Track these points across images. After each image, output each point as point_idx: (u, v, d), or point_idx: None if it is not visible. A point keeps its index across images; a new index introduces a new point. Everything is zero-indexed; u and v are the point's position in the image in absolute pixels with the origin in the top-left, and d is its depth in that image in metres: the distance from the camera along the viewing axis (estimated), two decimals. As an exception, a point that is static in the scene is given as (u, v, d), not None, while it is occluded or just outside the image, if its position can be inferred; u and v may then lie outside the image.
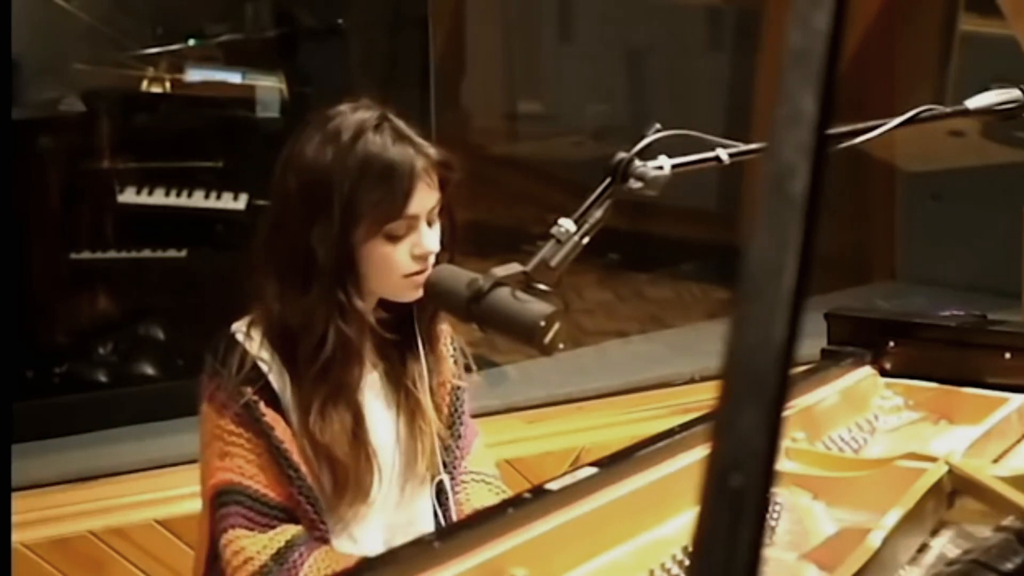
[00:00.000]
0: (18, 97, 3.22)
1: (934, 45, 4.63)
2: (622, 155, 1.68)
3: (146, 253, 3.45)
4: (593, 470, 1.51)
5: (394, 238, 1.76)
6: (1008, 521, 1.51)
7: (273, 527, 1.78)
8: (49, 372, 3.31)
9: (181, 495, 2.79)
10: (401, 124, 1.80)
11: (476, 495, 1.95)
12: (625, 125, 5.20)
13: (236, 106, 3.52)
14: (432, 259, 1.79)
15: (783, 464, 1.70)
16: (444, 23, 4.66)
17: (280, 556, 1.75)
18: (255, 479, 1.78)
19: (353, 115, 1.78)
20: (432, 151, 1.79)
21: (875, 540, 1.37)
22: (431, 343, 1.92)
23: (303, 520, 1.79)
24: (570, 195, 1.80)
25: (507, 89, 5.46)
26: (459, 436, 1.96)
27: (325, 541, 1.80)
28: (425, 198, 1.77)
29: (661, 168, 1.70)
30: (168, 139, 3.50)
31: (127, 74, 3.45)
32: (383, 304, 1.86)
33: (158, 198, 3.41)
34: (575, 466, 1.68)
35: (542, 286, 1.57)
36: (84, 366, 3.37)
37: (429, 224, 1.79)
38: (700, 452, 1.33)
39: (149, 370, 3.41)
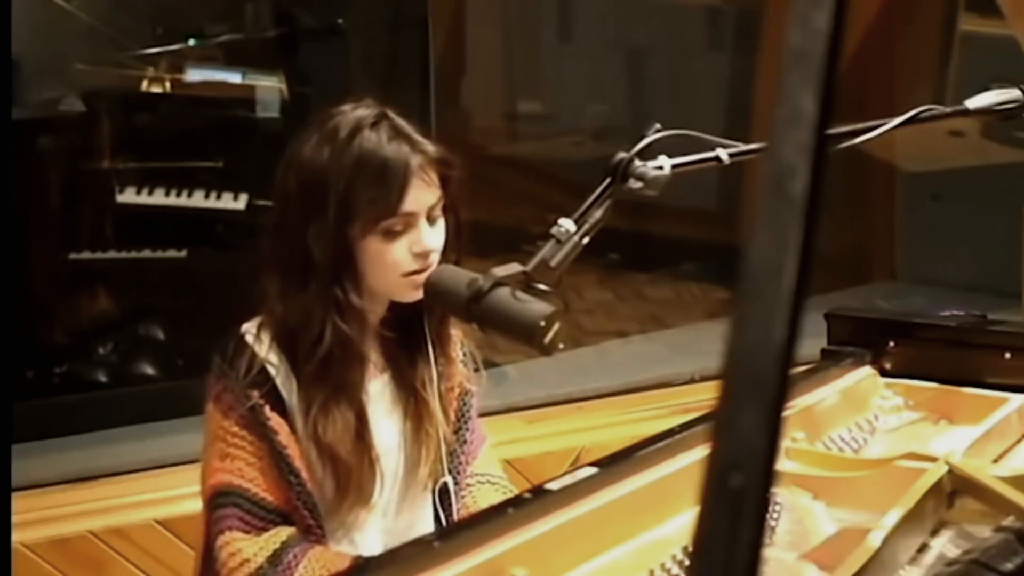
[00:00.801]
0: (18, 97, 3.22)
1: (934, 45, 4.63)
2: (622, 155, 1.68)
3: (146, 253, 3.45)
4: (593, 470, 1.51)
5: (391, 235, 1.76)
6: (1008, 521, 1.51)
7: (268, 530, 1.78)
8: (49, 372, 3.31)
9: (181, 495, 2.79)
10: (400, 121, 1.79)
11: (483, 496, 1.95)
12: (625, 125, 5.20)
13: (236, 106, 3.52)
14: (434, 257, 1.78)
15: (783, 464, 1.70)
16: (444, 23, 4.65)
17: (275, 558, 1.75)
18: (254, 482, 1.78)
19: (352, 113, 1.79)
20: (430, 148, 1.79)
21: (875, 540, 1.37)
22: (441, 346, 1.92)
23: (300, 525, 1.79)
24: (570, 195, 1.80)
25: (507, 89, 5.46)
26: (465, 441, 1.96)
27: (320, 543, 1.80)
28: (422, 195, 1.77)
29: (661, 168, 1.70)
30: (168, 139, 3.50)
31: (127, 74, 3.45)
32: (393, 307, 1.86)
33: (158, 198, 3.41)
34: (575, 466, 1.68)
35: (542, 286, 1.57)
36: (84, 366, 3.37)
37: (430, 222, 1.79)
38: (700, 452, 1.33)
39: (149, 370, 3.41)
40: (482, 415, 2.05)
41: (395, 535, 1.88)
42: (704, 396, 3.32)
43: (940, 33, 4.61)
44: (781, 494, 1.66)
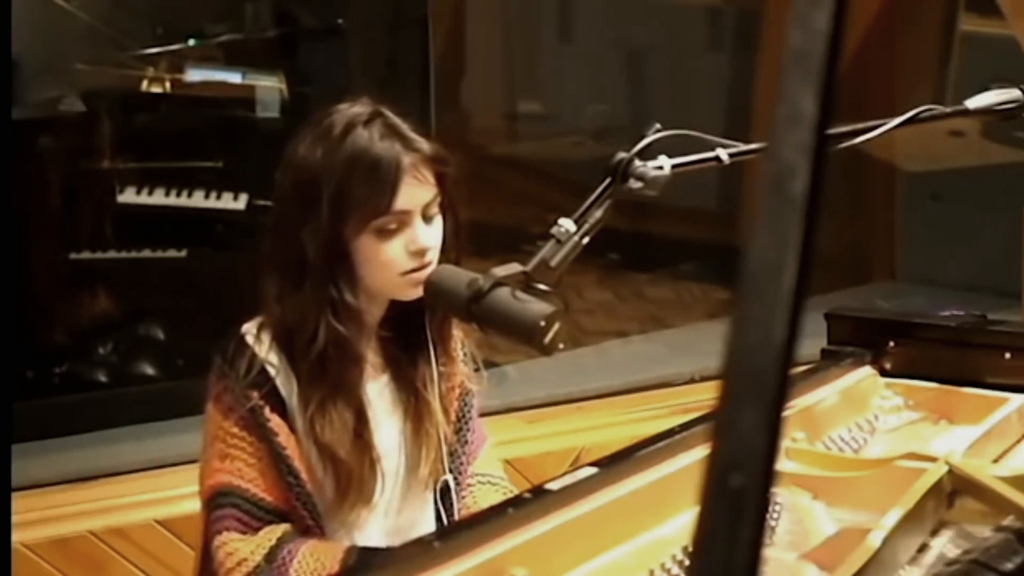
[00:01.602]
0: (18, 97, 3.22)
1: (934, 45, 4.63)
2: (622, 155, 1.68)
3: (146, 253, 3.45)
4: (593, 470, 1.51)
5: (386, 234, 1.75)
6: (1008, 521, 1.51)
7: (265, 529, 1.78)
8: (49, 372, 3.31)
9: (181, 495, 2.79)
10: (394, 119, 1.79)
11: (483, 497, 1.95)
12: (625, 125, 5.20)
13: (236, 106, 3.52)
14: (432, 255, 1.78)
15: (783, 464, 1.70)
16: (444, 23, 4.66)
17: (271, 555, 1.75)
18: (254, 483, 1.78)
19: (347, 112, 1.78)
20: (424, 146, 1.78)
21: (875, 540, 1.37)
22: (443, 345, 1.91)
23: (299, 526, 1.79)
24: (570, 195, 1.80)
25: (507, 89, 5.46)
26: (466, 441, 1.96)
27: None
28: (416, 193, 1.76)
29: (661, 168, 1.70)
30: (168, 139, 3.50)
31: (127, 74, 3.45)
32: (394, 306, 1.85)
33: (158, 198, 3.41)
34: (575, 466, 1.68)
35: (542, 286, 1.57)
36: (84, 366, 3.37)
37: (426, 220, 1.78)
38: (700, 452, 1.33)
39: (149, 370, 3.41)
40: (482, 415, 2.05)
41: (397, 534, 1.88)
42: (704, 396, 3.32)
43: (940, 33, 4.61)
44: (781, 494, 1.66)
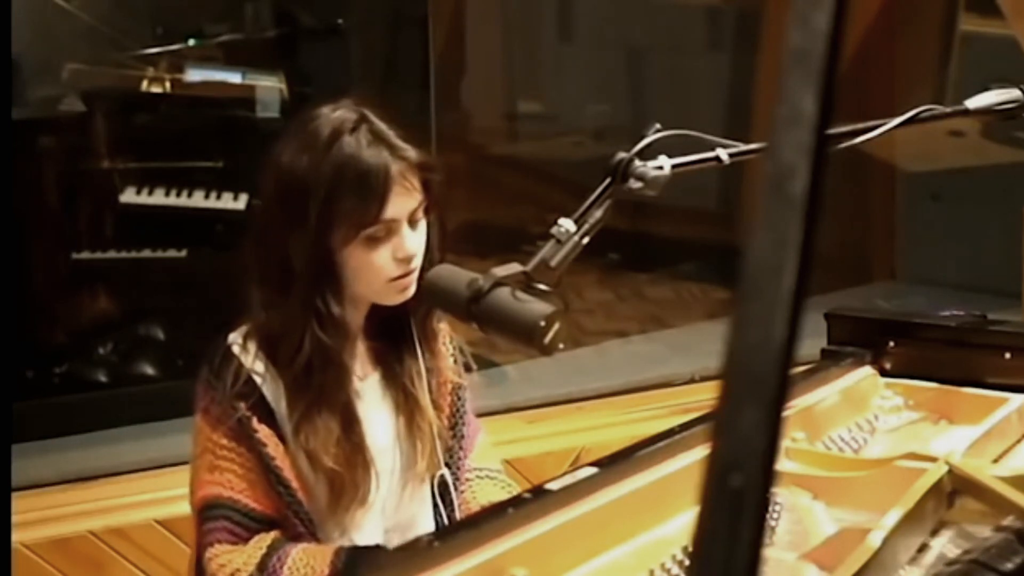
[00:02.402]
0: (18, 97, 3.22)
1: (934, 45, 4.63)
2: (622, 155, 1.68)
3: (146, 253, 3.45)
4: (593, 470, 1.51)
5: (374, 242, 1.75)
6: (1008, 521, 1.51)
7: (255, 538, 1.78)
8: (49, 372, 3.31)
9: (181, 495, 2.76)
10: (379, 125, 1.77)
11: (482, 492, 1.95)
12: (625, 125, 5.20)
13: (236, 106, 3.52)
14: (417, 261, 1.78)
15: (783, 464, 1.70)
16: (444, 23, 4.66)
17: (263, 563, 1.75)
18: (244, 493, 1.78)
19: (331, 117, 1.76)
20: (411, 153, 1.77)
21: (875, 540, 1.37)
22: (428, 342, 1.91)
23: (291, 535, 1.79)
24: (570, 195, 1.80)
25: (507, 89, 5.46)
26: (461, 436, 1.96)
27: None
28: (403, 202, 1.76)
29: (661, 168, 1.70)
30: (168, 139, 3.50)
31: (127, 74, 3.45)
32: (376, 309, 1.85)
33: (158, 198, 3.41)
34: (575, 466, 1.68)
35: (542, 286, 1.57)
36: (84, 366, 3.37)
37: (412, 226, 1.78)
38: (700, 452, 1.33)
39: (149, 370, 3.41)
40: (482, 415, 2.05)
41: (396, 531, 1.88)
42: (704, 396, 3.32)
43: (940, 33, 4.61)
44: (781, 494, 1.66)
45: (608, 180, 1.67)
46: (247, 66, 3.52)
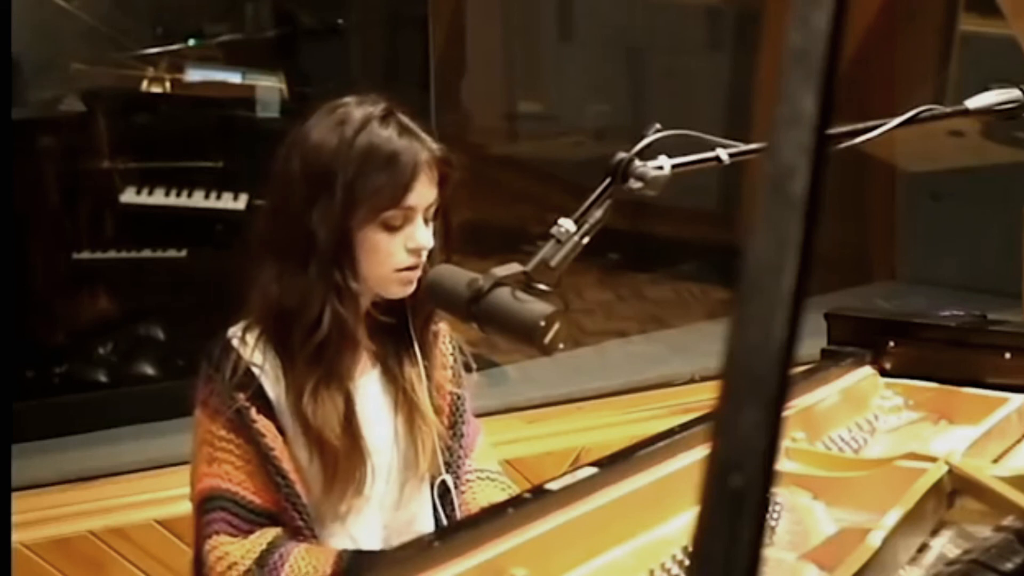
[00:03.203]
0: (18, 97, 3.22)
1: (934, 45, 4.63)
2: (622, 155, 1.68)
3: (146, 253, 3.45)
4: (593, 470, 1.51)
5: (390, 228, 1.77)
6: (1008, 521, 1.51)
7: (256, 533, 1.78)
8: (49, 372, 3.31)
9: (181, 495, 2.76)
10: (406, 119, 1.81)
11: (482, 493, 1.96)
12: (625, 125, 5.20)
13: (236, 106, 3.52)
14: (424, 255, 1.79)
15: (783, 464, 1.70)
16: (444, 23, 4.65)
17: (262, 559, 1.75)
18: (242, 485, 1.78)
19: (359, 107, 1.79)
20: (435, 147, 1.81)
21: (875, 540, 1.37)
22: (427, 346, 1.92)
23: (289, 527, 1.79)
24: (570, 195, 1.80)
25: (507, 89, 5.46)
26: (462, 435, 1.96)
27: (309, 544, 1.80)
28: (425, 192, 1.78)
29: (661, 168, 1.70)
30: (168, 139, 3.50)
31: (127, 74, 3.45)
32: (378, 306, 1.86)
33: (158, 198, 3.41)
34: (575, 466, 1.68)
35: (542, 286, 1.57)
36: (84, 366, 3.37)
37: (425, 221, 1.80)
38: (700, 452, 1.33)
39: (149, 370, 3.41)
40: (482, 415, 2.05)
41: (395, 530, 1.88)
42: (704, 396, 3.32)
43: (940, 33, 4.62)
44: (781, 494, 1.66)
45: (608, 180, 1.67)
46: (247, 66, 3.52)
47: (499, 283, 1.55)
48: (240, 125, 3.51)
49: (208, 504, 1.79)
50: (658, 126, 1.72)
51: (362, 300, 1.83)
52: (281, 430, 1.79)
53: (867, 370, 2.05)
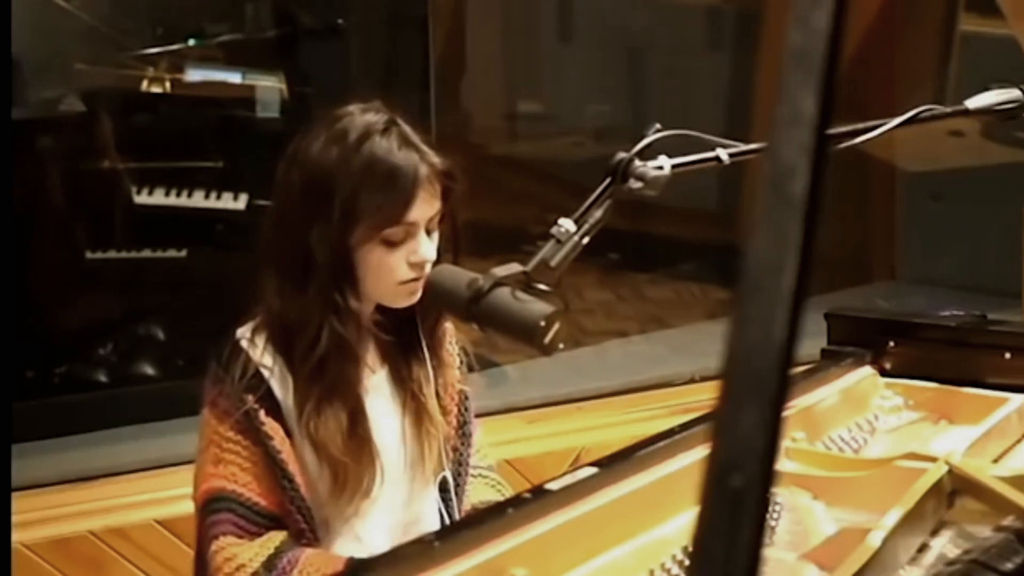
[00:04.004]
0: (18, 97, 3.22)
1: (934, 45, 4.63)
2: (622, 155, 1.68)
3: (146, 253, 3.45)
4: (593, 470, 1.51)
5: (392, 244, 1.75)
6: (1008, 521, 1.51)
7: (262, 535, 1.78)
8: (49, 372, 3.31)
9: (181, 495, 2.76)
10: (408, 130, 1.78)
11: (474, 491, 1.97)
12: (625, 125, 5.20)
13: (236, 106, 3.52)
14: (428, 267, 1.78)
15: (783, 464, 1.70)
16: (444, 23, 4.65)
17: (270, 563, 1.74)
18: (248, 487, 1.78)
19: (361, 117, 1.78)
20: (436, 160, 1.78)
21: (875, 540, 1.37)
22: (435, 346, 1.92)
23: (293, 530, 1.79)
24: (570, 195, 1.80)
25: (507, 89, 5.46)
26: (469, 435, 1.97)
27: (314, 548, 1.80)
28: (426, 206, 1.76)
29: (661, 168, 1.70)
30: (168, 139, 3.50)
31: (127, 74, 3.45)
32: (385, 309, 1.85)
33: (158, 198, 3.41)
34: (575, 466, 1.68)
35: (542, 286, 1.57)
36: (84, 366, 3.37)
37: (428, 233, 1.79)
38: (700, 452, 1.33)
39: (149, 370, 3.41)
40: (482, 415, 2.05)
41: (403, 529, 1.88)
42: (704, 396, 3.32)
43: (940, 33, 4.61)
44: (781, 494, 1.66)
45: (608, 180, 1.67)
46: (247, 66, 3.52)
47: (499, 283, 1.55)
48: (240, 125, 3.51)
49: (213, 504, 1.79)
50: (658, 126, 1.72)
51: (365, 311, 1.82)
52: (289, 432, 1.79)
53: (867, 370, 2.05)
